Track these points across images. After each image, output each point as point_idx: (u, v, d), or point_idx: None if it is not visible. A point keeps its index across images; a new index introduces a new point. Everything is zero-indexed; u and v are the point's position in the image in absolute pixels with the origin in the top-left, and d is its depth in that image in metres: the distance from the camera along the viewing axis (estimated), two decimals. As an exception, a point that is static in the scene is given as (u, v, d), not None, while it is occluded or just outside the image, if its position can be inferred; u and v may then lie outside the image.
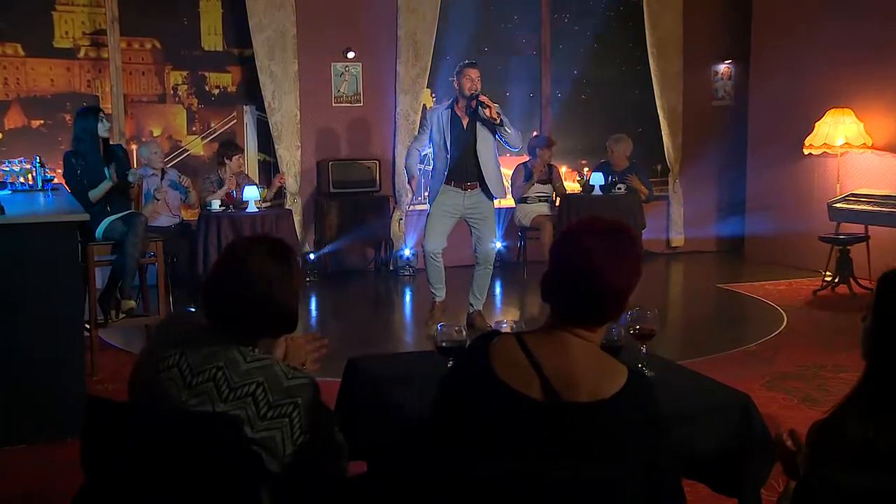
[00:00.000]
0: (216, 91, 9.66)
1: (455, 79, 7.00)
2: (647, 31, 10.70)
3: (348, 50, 9.77)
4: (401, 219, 9.99)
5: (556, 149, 10.72)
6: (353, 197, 9.56)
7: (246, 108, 9.78)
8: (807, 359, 6.40)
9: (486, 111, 6.75)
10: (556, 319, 2.10)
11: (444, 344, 2.91)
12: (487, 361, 2.05)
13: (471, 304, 7.19)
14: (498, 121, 6.77)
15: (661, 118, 10.86)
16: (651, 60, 10.74)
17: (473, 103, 6.81)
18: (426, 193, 7.60)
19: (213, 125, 9.67)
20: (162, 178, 8.19)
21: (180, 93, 9.52)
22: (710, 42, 11.10)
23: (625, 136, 9.73)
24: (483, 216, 7.04)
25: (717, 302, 8.58)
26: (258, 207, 7.96)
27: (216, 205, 7.94)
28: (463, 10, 10.41)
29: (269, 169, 9.72)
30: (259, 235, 2.39)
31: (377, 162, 9.68)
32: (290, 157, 9.57)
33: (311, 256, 9.51)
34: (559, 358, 2.04)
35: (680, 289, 9.62)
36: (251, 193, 7.91)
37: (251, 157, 9.85)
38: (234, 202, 7.92)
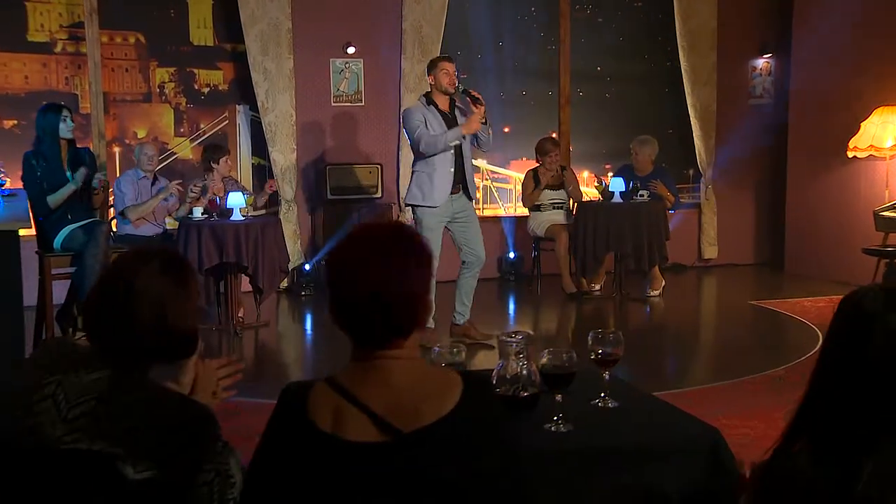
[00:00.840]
0: (206, 89, 9.64)
1: (429, 74, 6.98)
2: (677, 23, 10.56)
3: (348, 45, 9.73)
4: (405, 228, 9.88)
5: (576, 152, 10.64)
6: (353, 204, 9.48)
7: (239, 107, 9.75)
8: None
9: (477, 107, 6.72)
10: (359, 348, 2.01)
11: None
12: (307, 420, 1.95)
13: (457, 314, 7.14)
14: (485, 119, 6.80)
15: (692, 118, 10.71)
16: (682, 55, 10.60)
17: (469, 99, 6.75)
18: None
19: (202, 126, 9.65)
20: (153, 185, 8.16)
21: (167, 91, 9.50)
22: (748, 34, 10.96)
23: (650, 137, 9.56)
24: (470, 218, 7.07)
25: (747, 320, 8.39)
26: (244, 215, 7.88)
27: (198, 213, 7.88)
28: (475, 0, 10.32)
29: (263, 173, 9.67)
30: (150, 248, 2.27)
31: (379, 166, 9.61)
32: (285, 160, 9.52)
33: (307, 268, 9.44)
34: (383, 389, 1.96)
35: (708, 305, 9.45)
36: (236, 200, 7.84)
37: (244, 160, 9.81)
38: (218, 210, 7.86)
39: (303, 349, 7.81)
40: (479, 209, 10.60)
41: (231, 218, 7.79)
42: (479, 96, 6.75)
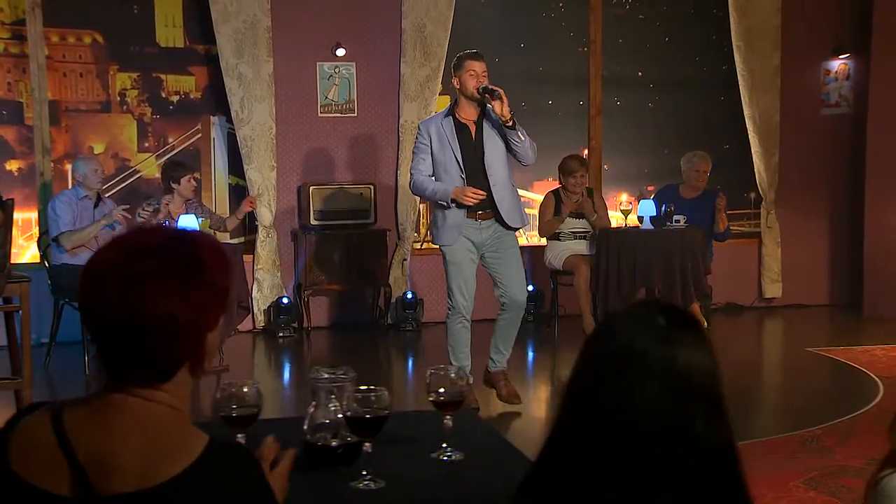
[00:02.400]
0: (175, 98, 9.63)
1: (454, 75, 6.73)
2: (731, 20, 10.37)
3: (338, 46, 9.67)
4: (405, 259, 9.77)
5: (612, 171, 10.47)
6: (342, 231, 9.39)
7: (213, 119, 9.73)
8: (882, 449, 5.92)
9: (497, 105, 6.39)
10: (109, 379, 1.88)
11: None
12: (4, 450, 1.85)
13: (491, 361, 6.81)
14: (509, 121, 6.44)
15: (750, 131, 10.49)
16: (737, 56, 10.41)
17: (487, 97, 6.42)
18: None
19: (171, 140, 9.63)
20: (96, 207, 8.15)
21: (129, 100, 9.51)
22: (819, 32, 10.74)
23: (704, 153, 9.42)
24: (506, 249, 6.71)
25: (795, 371, 8.19)
26: (197, 242, 7.80)
27: (144, 238, 7.81)
28: (489, -7, 10.25)
29: (242, 195, 9.60)
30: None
31: (371, 187, 9.50)
32: (263, 180, 9.46)
33: (285, 300, 9.35)
34: (101, 435, 1.82)
35: (754, 352, 9.16)
36: (187, 224, 7.77)
37: (220, 180, 9.78)
38: (168, 235, 7.80)
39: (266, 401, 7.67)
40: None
41: (182, 244, 7.71)
42: (498, 89, 6.38)
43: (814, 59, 10.82)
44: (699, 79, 10.81)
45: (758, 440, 6.12)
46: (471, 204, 6.46)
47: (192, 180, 8.26)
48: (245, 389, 2.68)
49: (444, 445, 2.78)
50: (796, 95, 10.65)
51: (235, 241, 9.58)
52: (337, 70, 9.77)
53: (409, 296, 9.60)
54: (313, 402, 2.75)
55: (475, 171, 6.59)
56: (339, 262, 9.40)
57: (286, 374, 8.57)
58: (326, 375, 2.76)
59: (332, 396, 2.70)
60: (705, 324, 8.66)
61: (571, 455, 1.72)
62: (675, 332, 1.71)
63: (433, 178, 6.66)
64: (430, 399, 2.81)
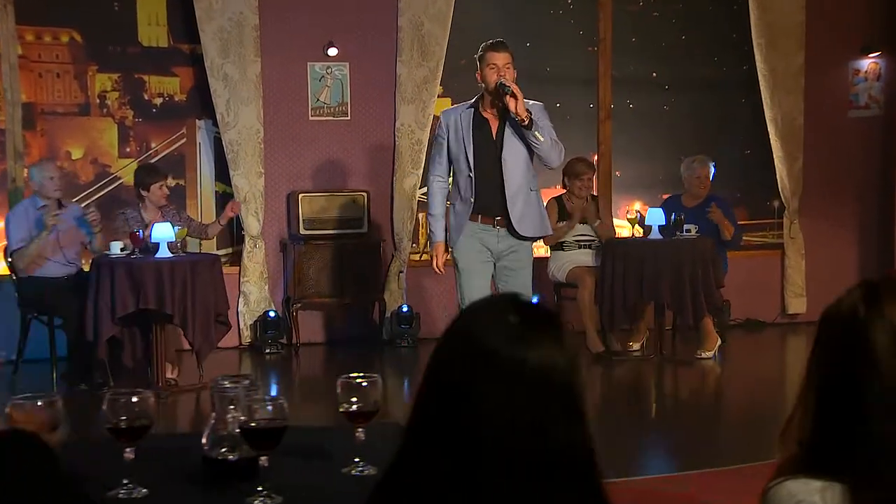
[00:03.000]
0: (158, 100, 9.59)
1: (478, 68, 6.66)
2: (752, 15, 10.24)
3: (330, 45, 9.61)
4: (401, 271, 9.70)
5: (624, 178, 10.39)
6: (333, 241, 9.32)
7: (199, 123, 9.68)
8: None
9: (511, 102, 6.29)
10: None
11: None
12: None
13: None
14: (525, 120, 6.34)
15: (772, 135, 10.35)
16: (758, 55, 10.27)
17: (504, 95, 6.34)
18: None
19: (154, 145, 9.58)
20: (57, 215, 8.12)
21: (109, 102, 9.48)
22: (847, 28, 10.61)
23: (704, 157, 9.32)
24: (520, 265, 6.61)
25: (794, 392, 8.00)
26: (173, 252, 7.77)
27: (117, 248, 7.79)
28: (492, -12, 10.17)
29: (226, 202, 9.54)
30: None
31: (365, 194, 9.43)
32: (251, 187, 9.40)
33: (272, 315, 9.29)
34: None
35: (769, 372, 8.99)
36: (162, 233, 7.72)
37: (206, 187, 9.74)
38: (142, 245, 7.76)
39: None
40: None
41: (157, 255, 7.68)
42: (511, 85, 6.30)
43: (841, 57, 10.67)
44: (718, 79, 10.68)
45: (762, 463, 6.01)
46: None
47: (163, 187, 8.21)
48: (134, 399, 2.60)
49: (357, 460, 2.74)
50: (822, 96, 10.51)
51: (222, 252, 9.54)
52: (329, 70, 9.71)
53: (405, 309, 9.51)
54: (213, 414, 2.69)
55: (488, 171, 6.50)
56: (330, 274, 9.33)
57: (272, 389, 8.51)
58: (228, 385, 2.70)
59: (232, 407, 2.63)
60: (719, 342, 8.60)
61: (421, 461, 1.69)
62: (528, 331, 1.68)
63: (448, 180, 6.68)
64: (341, 410, 2.78)
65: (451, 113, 6.68)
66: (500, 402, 1.64)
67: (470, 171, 6.51)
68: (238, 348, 9.45)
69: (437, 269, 6.77)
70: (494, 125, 6.54)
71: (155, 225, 7.82)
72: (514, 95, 6.28)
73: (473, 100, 6.65)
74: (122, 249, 7.80)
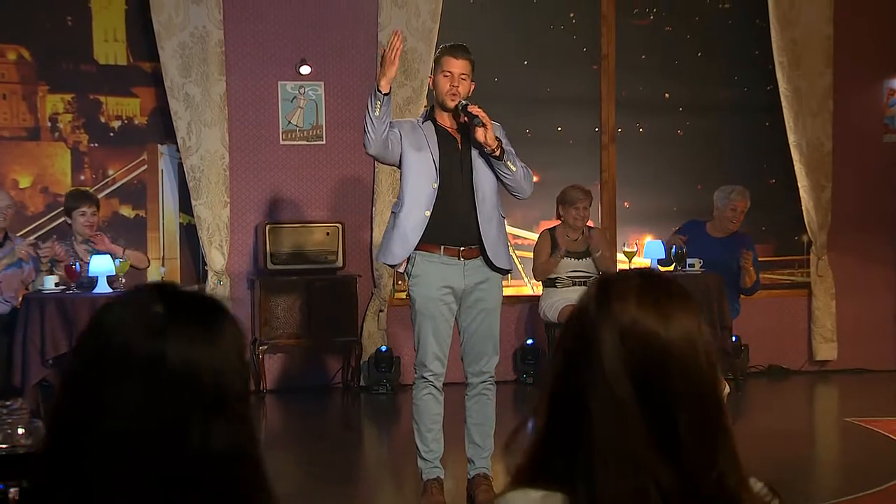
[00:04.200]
0: (116, 123, 9.53)
1: (431, 72, 6.30)
2: (773, 31, 10.13)
3: (303, 63, 9.58)
4: (381, 310, 9.54)
5: (632, 209, 10.23)
6: (303, 276, 9.20)
7: (161, 148, 9.62)
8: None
9: (479, 132, 5.82)
10: None
11: None
12: None
13: (469, 462, 6.16)
14: (496, 150, 5.89)
15: (796, 162, 10.21)
16: (780, 74, 10.16)
17: (462, 118, 5.94)
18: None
19: (111, 173, 9.52)
20: (1, 246, 8.03)
21: (61, 125, 9.42)
22: (881, 44, 10.50)
23: (742, 188, 9.24)
24: (488, 305, 6.10)
25: (820, 442, 8.19)
26: (113, 287, 7.65)
27: (50, 283, 7.69)
28: (484, 2, 10.07)
29: (196, 236, 9.45)
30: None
31: (339, 226, 9.31)
32: (214, 218, 9.30)
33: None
34: None
35: (780, 422, 8.70)
36: (101, 266, 7.61)
37: (169, 218, 9.64)
38: (78, 279, 7.65)
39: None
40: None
41: (95, 290, 7.57)
42: (480, 113, 5.83)
43: (874, 76, 10.56)
44: (738, 101, 10.58)
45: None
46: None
47: (93, 215, 8.10)
48: None
49: None
50: (853, 119, 10.38)
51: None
52: (302, 91, 9.66)
53: (384, 349, 9.34)
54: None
55: (457, 188, 6.02)
56: (299, 314, 9.20)
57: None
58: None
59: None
60: (727, 389, 8.36)
61: (64, 465, 1.63)
62: (172, 324, 1.63)
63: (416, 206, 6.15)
64: None
65: (403, 121, 6.33)
66: (135, 402, 1.60)
67: (436, 180, 6.07)
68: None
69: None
70: (459, 139, 6.14)
71: (93, 257, 7.71)
72: (482, 123, 5.83)
73: (424, 114, 6.27)
74: (56, 284, 7.68)
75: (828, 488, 6.73)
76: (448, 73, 5.98)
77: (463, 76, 5.99)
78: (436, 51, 6.34)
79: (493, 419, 6.14)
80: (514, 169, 5.96)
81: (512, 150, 6.09)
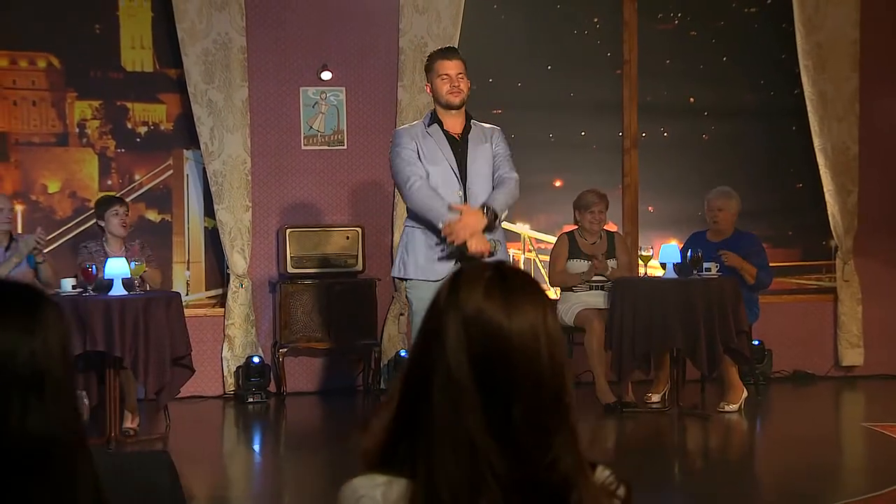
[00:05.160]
0: (143, 129, 9.60)
1: (426, 80, 6.47)
2: (797, 35, 10.02)
3: (324, 69, 9.59)
4: (402, 314, 9.54)
5: (656, 214, 10.18)
6: (324, 281, 9.23)
7: (187, 153, 9.68)
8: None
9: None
10: None
11: None
12: None
13: None
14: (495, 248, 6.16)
15: (821, 166, 10.08)
16: (805, 78, 10.05)
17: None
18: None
19: (137, 178, 9.59)
20: (6, 250, 8.11)
21: (89, 131, 9.50)
22: (908, 47, 10.30)
23: (731, 190, 9.12)
24: None
25: (834, 448, 8.05)
26: (128, 289, 7.71)
27: (68, 285, 7.76)
28: (506, 6, 10.05)
29: (218, 239, 9.51)
30: None
31: (359, 230, 9.32)
32: (236, 222, 9.36)
33: (255, 360, 9.18)
34: None
35: (796, 429, 8.54)
36: (116, 269, 7.68)
37: (194, 222, 9.70)
38: (94, 282, 7.72)
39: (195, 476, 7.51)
40: (521, 292, 10.14)
41: (110, 293, 7.64)
42: (478, 248, 6.00)
43: (902, 80, 10.37)
44: (764, 105, 10.48)
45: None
46: (474, 252, 6.12)
47: (119, 215, 8.15)
48: None
49: None
50: (880, 123, 10.26)
51: (211, 292, 9.56)
52: (323, 96, 9.68)
53: (403, 353, 9.35)
54: None
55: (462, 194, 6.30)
56: (319, 317, 9.22)
57: (228, 446, 8.46)
58: None
59: None
60: (745, 394, 8.33)
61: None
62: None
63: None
64: None
65: (410, 134, 6.41)
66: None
67: (460, 189, 6.26)
68: (223, 397, 9.36)
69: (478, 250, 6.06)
70: (461, 147, 6.32)
71: (108, 260, 7.77)
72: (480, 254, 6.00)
73: (428, 117, 6.40)
74: (73, 287, 7.75)
75: (830, 491, 6.66)
76: (446, 76, 6.11)
77: (460, 75, 6.13)
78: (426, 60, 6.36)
79: None
80: (505, 213, 6.13)
81: (507, 153, 6.21)
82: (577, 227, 9.00)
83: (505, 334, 1.83)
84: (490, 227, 6.12)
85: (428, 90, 6.29)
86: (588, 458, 1.90)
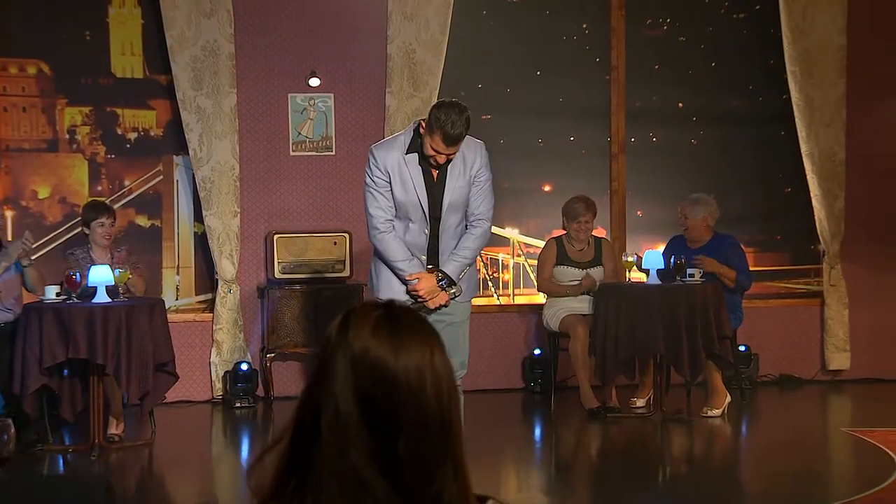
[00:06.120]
0: (133, 135, 9.60)
1: (425, 121, 6.18)
2: (784, 40, 9.97)
3: (313, 75, 9.56)
4: (389, 319, 9.51)
5: (645, 219, 10.15)
6: (310, 286, 9.21)
7: (176, 159, 9.66)
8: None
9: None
10: None
11: None
12: None
13: None
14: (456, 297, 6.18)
15: (808, 171, 10.03)
16: (792, 84, 10.00)
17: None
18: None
19: (127, 183, 9.58)
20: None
21: (79, 138, 9.49)
22: (894, 54, 10.25)
23: (705, 196, 9.08)
24: (455, 318, 6.23)
25: (807, 453, 7.91)
26: (112, 297, 7.70)
27: (52, 293, 7.75)
28: (495, 13, 10.00)
29: (206, 244, 9.50)
30: None
31: (346, 236, 9.30)
32: (225, 228, 9.34)
33: (244, 367, 9.16)
34: None
35: (777, 434, 8.55)
36: (100, 276, 7.66)
37: (184, 228, 9.69)
38: (78, 289, 7.70)
39: (181, 481, 7.51)
40: (510, 294, 10.14)
41: (94, 300, 7.62)
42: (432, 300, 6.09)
43: (889, 85, 10.33)
44: (752, 110, 10.44)
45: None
46: (431, 307, 6.09)
47: (104, 226, 8.11)
48: None
49: None
50: (867, 129, 10.16)
51: (200, 297, 9.56)
52: (312, 102, 9.66)
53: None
54: None
55: (437, 226, 6.23)
56: (307, 323, 9.21)
57: (215, 451, 8.48)
58: None
59: None
60: (728, 397, 8.31)
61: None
62: None
63: (396, 222, 6.25)
64: None
65: (388, 153, 6.16)
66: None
67: (426, 224, 6.18)
68: (211, 401, 9.36)
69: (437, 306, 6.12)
70: (436, 173, 6.17)
71: (92, 268, 7.75)
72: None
73: (411, 139, 6.10)
74: (57, 294, 7.74)
75: (810, 496, 6.69)
76: (437, 152, 5.95)
77: (449, 156, 6.00)
78: (431, 113, 5.96)
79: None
80: (464, 272, 6.13)
81: (488, 188, 6.18)
82: (565, 232, 8.96)
83: (391, 373, 1.85)
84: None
85: (422, 130, 6.01)
86: (476, 493, 1.91)
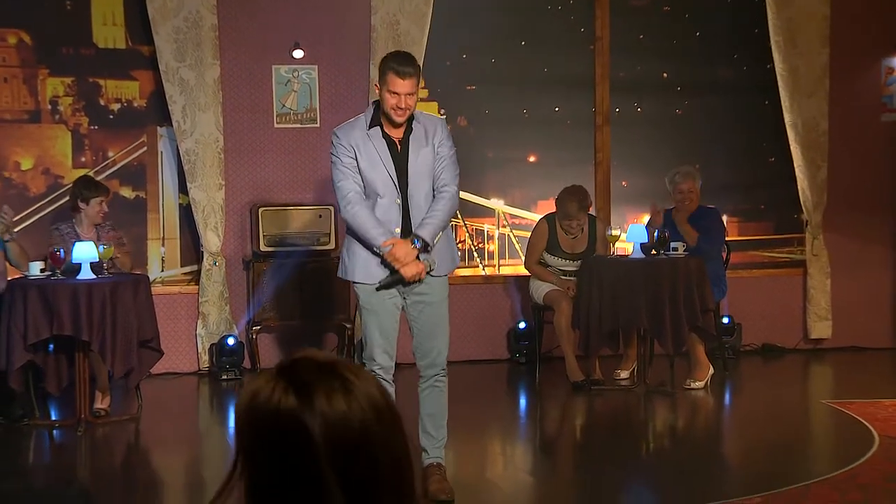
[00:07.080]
0: (116, 106, 9.51)
1: (379, 80, 6.16)
2: (768, 10, 9.92)
3: (296, 47, 9.49)
4: (373, 292, 9.48)
5: (630, 189, 10.14)
6: (295, 259, 9.17)
7: (160, 130, 9.59)
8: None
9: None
10: None
11: None
12: None
13: (423, 452, 6.10)
14: (431, 266, 5.97)
15: (791, 142, 10.02)
16: (776, 54, 9.98)
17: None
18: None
19: (111, 154, 9.51)
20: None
21: (62, 108, 9.41)
22: (879, 22, 10.25)
23: (691, 168, 9.07)
24: (432, 299, 6.07)
25: (786, 426, 7.86)
26: (97, 273, 7.65)
27: (36, 269, 7.69)
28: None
29: (191, 215, 9.45)
30: None
31: (331, 208, 9.24)
32: (209, 200, 9.28)
33: (230, 340, 9.13)
34: None
35: (758, 405, 8.53)
36: (84, 253, 7.60)
37: (168, 200, 9.63)
38: (63, 265, 7.65)
39: (168, 455, 7.49)
40: (495, 265, 10.11)
41: (78, 276, 7.57)
42: (415, 277, 5.87)
43: (872, 55, 10.32)
44: (737, 80, 10.39)
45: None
46: (411, 279, 5.98)
47: (103, 203, 8.09)
48: None
49: None
50: (850, 99, 10.18)
51: (186, 269, 9.52)
52: (295, 74, 9.59)
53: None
54: None
55: (404, 198, 6.12)
56: (292, 296, 9.19)
57: (202, 425, 8.50)
58: None
59: None
60: (711, 369, 8.33)
61: None
62: None
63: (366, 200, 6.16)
64: None
65: (351, 132, 6.01)
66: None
67: (398, 196, 6.07)
68: (198, 373, 9.34)
69: (413, 276, 5.92)
70: (399, 147, 6.08)
71: (76, 244, 7.69)
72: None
73: (371, 116, 6.00)
74: (41, 270, 7.69)
75: (792, 470, 6.62)
76: (395, 94, 5.83)
77: (410, 94, 5.85)
78: (379, 66, 6.00)
79: (445, 409, 6.13)
80: (438, 237, 5.96)
81: (450, 148, 6.06)
82: (557, 210, 8.90)
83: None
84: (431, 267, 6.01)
85: (377, 90, 5.99)
86: None
